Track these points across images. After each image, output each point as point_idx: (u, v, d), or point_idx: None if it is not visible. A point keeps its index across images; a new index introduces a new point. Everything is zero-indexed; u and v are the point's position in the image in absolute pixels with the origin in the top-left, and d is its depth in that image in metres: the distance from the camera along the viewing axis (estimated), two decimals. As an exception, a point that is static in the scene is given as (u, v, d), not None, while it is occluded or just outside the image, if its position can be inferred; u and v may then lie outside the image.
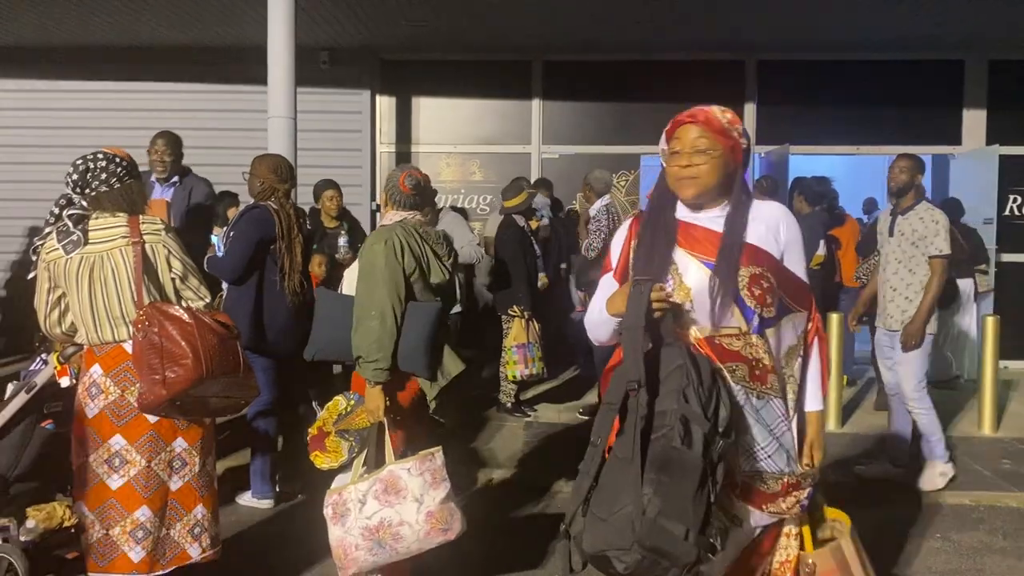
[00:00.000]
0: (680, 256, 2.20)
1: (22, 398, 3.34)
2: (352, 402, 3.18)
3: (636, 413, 1.94)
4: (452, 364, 3.22)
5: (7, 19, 7.55)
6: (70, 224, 2.90)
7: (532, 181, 6.90)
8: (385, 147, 8.99)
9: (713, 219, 2.22)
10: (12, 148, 8.67)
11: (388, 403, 3.09)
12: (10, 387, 3.60)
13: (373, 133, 8.90)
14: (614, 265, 2.28)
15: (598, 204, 6.31)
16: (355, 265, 3.28)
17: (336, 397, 3.22)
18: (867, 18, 7.40)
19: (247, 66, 7.59)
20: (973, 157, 8.47)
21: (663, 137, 2.26)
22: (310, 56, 8.06)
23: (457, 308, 4.97)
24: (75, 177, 2.94)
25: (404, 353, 3.09)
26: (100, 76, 8.63)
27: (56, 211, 2.94)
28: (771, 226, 2.23)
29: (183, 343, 2.74)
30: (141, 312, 2.84)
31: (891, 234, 4.83)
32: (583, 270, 6.30)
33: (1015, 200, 8.61)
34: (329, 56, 8.51)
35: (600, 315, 2.20)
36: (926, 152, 9.23)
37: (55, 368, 3.26)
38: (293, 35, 5.90)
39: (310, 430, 3.20)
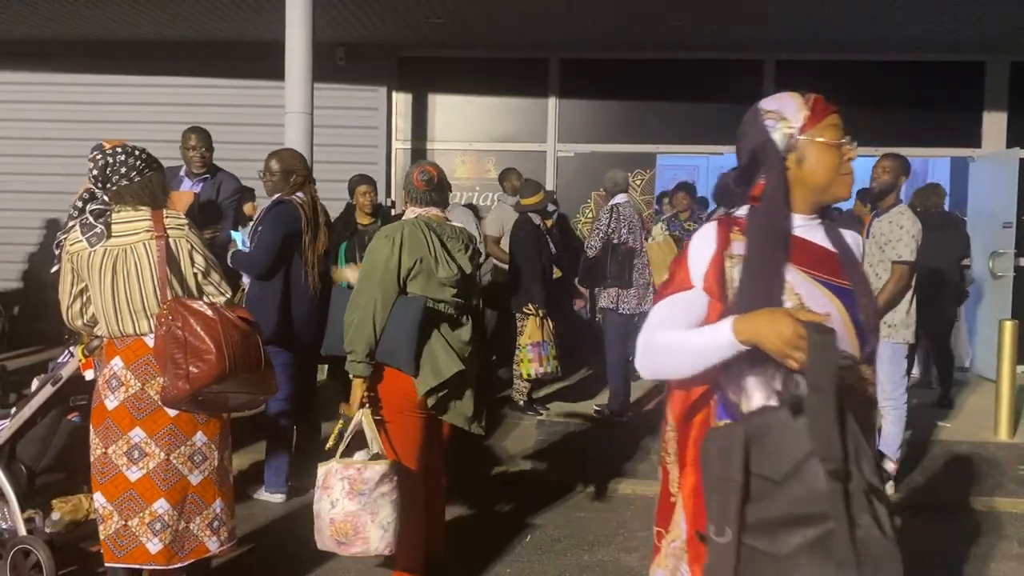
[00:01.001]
0: (796, 276, 1.78)
1: (48, 391, 3.38)
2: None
3: (839, 502, 1.51)
4: (447, 364, 3.21)
5: (28, 13, 7.59)
6: (91, 218, 2.92)
7: (535, 181, 6.86)
8: (401, 144, 9.00)
9: (809, 230, 1.86)
10: (31, 141, 8.72)
11: (367, 397, 3.17)
12: (36, 381, 3.64)
13: (389, 130, 8.91)
14: (696, 282, 1.78)
15: (610, 203, 6.38)
16: None
17: (337, 427, 3.30)
18: (888, 18, 7.35)
19: (264, 61, 7.61)
20: (993, 160, 8.40)
21: (802, 118, 1.80)
22: (327, 52, 8.07)
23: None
24: (95, 172, 2.96)
25: (383, 345, 3.15)
26: (116, 70, 8.66)
27: (80, 205, 2.96)
28: (852, 240, 1.95)
29: (207, 338, 2.76)
30: (165, 306, 2.85)
31: (868, 236, 4.78)
32: (583, 269, 6.35)
33: (1035, 204, 8.54)
34: (346, 52, 8.51)
35: (691, 343, 1.71)
36: (945, 154, 9.19)
37: (80, 361, 3.28)
38: (311, 31, 5.90)
39: None
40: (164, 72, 8.62)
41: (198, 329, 2.76)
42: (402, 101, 8.99)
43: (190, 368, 2.73)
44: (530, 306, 6.01)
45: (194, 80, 8.63)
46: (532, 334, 5.96)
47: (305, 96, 5.86)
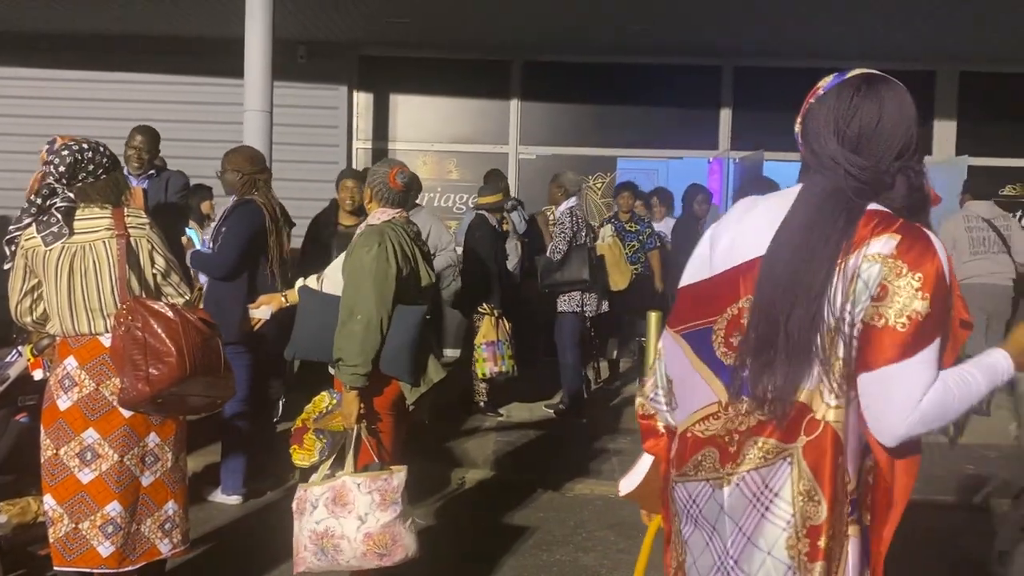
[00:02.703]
0: None
1: (-6, 391, 3.30)
2: (334, 401, 3.16)
3: None
4: (435, 371, 3.22)
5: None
6: (58, 216, 2.85)
7: (495, 179, 6.88)
8: (362, 143, 8.95)
9: None
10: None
11: (363, 409, 3.04)
12: None
13: (350, 129, 8.86)
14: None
15: (564, 206, 6.37)
16: (337, 262, 3.24)
17: (322, 392, 3.21)
18: (841, 28, 7.51)
19: (223, 58, 7.51)
20: (943, 167, 8.61)
21: None
22: (288, 50, 7.99)
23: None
24: (62, 168, 2.89)
25: (388, 356, 3.04)
26: (71, 65, 8.48)
27: (38, 201, 2.89)
28: None
29: (167, 340, 2.71)
30: (124, 306, 2.80)
31: None
32: (547, 272, 6.31)
33: (982, 210, 8.78)
34: (307, 50, 8.45)
35: (979, 386, 1.52)
36: (897, 161, 9.40)
37: (28, 360, 3.21)
38: (271, 28, 5.85)
39: (295, 422, 3.20)
40: (120, 68, 8.47)
41: (158, 330, 2.72)
42: (363, 101, 8.94)
43: (150, 370, 2.69)
44: (484, 306, 6.03)
45: (151, 76, 8.48)
46: (487, 333, 5.97)
47: (264, 94, 5.80)
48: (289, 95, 7.86)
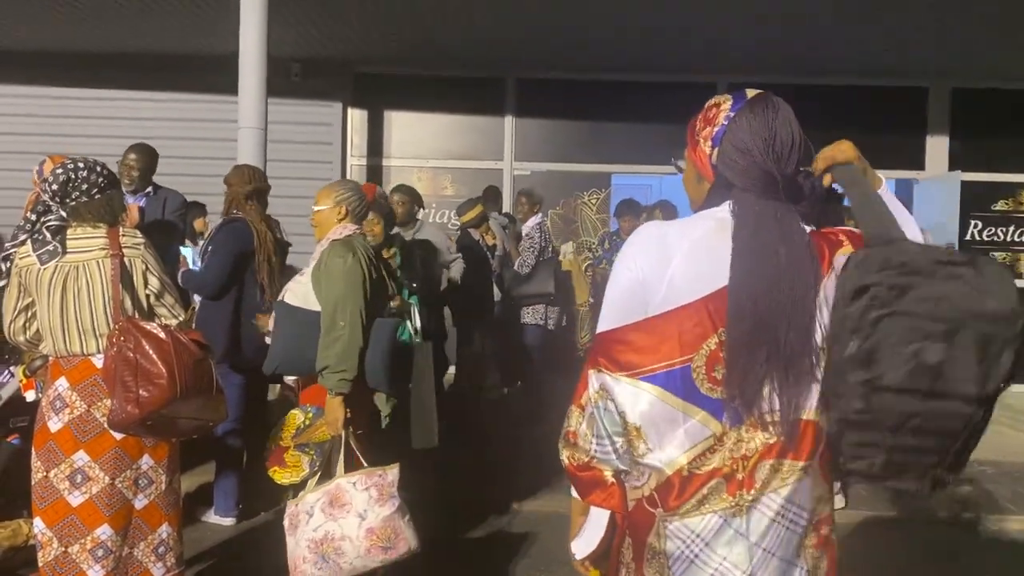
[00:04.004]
0: None
1: (-15, 412, 3.27)
2: (310, 415, 3.16)
3: None
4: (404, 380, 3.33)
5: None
6: (48, 234, 2.83)
7: (471, 198, 6.92)
8: (356, 160, 8.95)
9: None
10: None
11: (348, 415, 3.10)
12: None
13: (344, 146, 8.85)
14: None
15: (532, 221, 6.55)
16: (301, 277, 3.26)
17: (292, 411, 3.19)
18: (835, 44, 7.55)
19: (217, 75, 7.51)
20: (936, 182, 8.66)
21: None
22: (282, 67, 8.00)
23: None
24: (55, 187, 2.87)
25: (371, 369, 3.12)
26: (66, 83, 8.47)
27: (33, 218, 2.87)
28: None
29: (159, 362, 2.68)
30: (117, 326, 2.77)
31: None
32: (515, 284, 6.39)
33: (976, 225, 8.82)
34: (301, 67, 8.45)
35: None
36: (890, 176, 9.40)
37: (20, 381, 3.18)
38: (265, 45, 5.85)
39: (268, 445, 3.17)
40: (115, 85, 8.46)
41: (150, 351, 2.69)
42: (358, 117, 8.95)
43: (140, 392, 2.66)
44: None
45: (145, 94, 8.47)
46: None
47: (259, 111, 5.79)
48: (284, 112, 7.86)
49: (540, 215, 6.59)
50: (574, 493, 1.73)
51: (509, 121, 8.93)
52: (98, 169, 2.94)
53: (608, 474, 1.66)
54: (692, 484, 1.59)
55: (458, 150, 8.94)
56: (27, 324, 2.93)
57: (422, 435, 4.11)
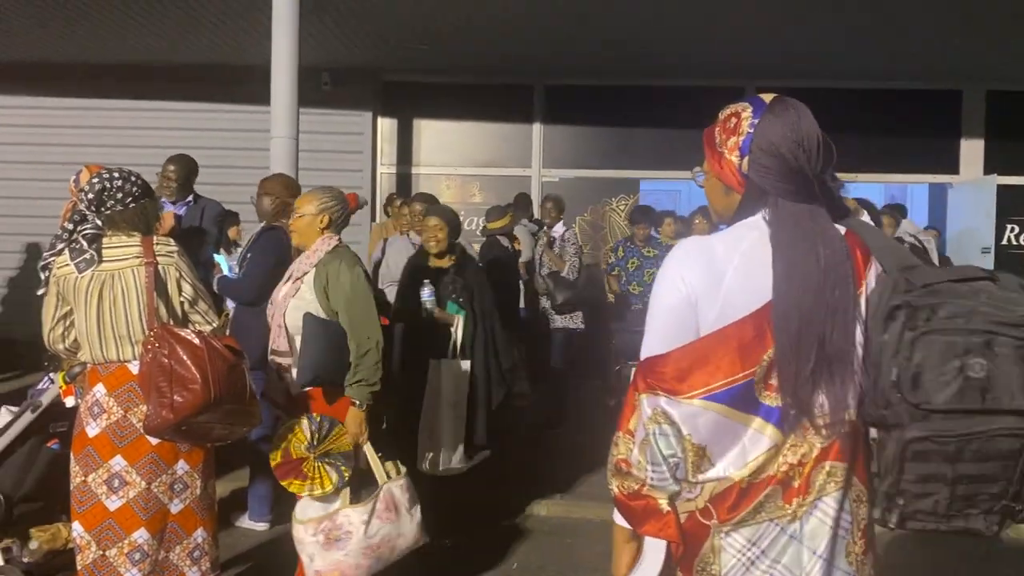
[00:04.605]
0: None
1: (27, 418, 3.33)
2: (324, 425, 3.17)
3: None
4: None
5: (9, 35, 7.57)
6: (84, 243, 2.89)
7: (500, 205, 6.94)
8: (386, 168, 9.02)
9: None
10: (12, 164, 8.67)
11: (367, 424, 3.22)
12: (2, 411, 3.59)
13: (374, 154, 8.93)
14: None
15: (562, 227, 6.68)
16: (302, 288, 3.25)
17: (294, 422, 3.17)
18: (867, 46, 7.48)
19: (250, 86, 7.61)
20: (971, 186, 8.53)
21: None
22: (312, 77, 8.09)
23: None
24: (90, 196, 2.93)
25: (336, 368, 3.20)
26: (100, 94, 8.65)
27: (70, 227, 2.93)
28: None
29: (193, 367, 2.71)
30: (151, 333, 2.81)
31: None
32: (561, 290, 6.39)
33: (1012, 229, 8.67)
34: (331, 77, 8.55)
35: None
36: (924, 181, 9.32)
37: (60, 388, 3.24)
38: (297, 56, 5.92)
39: (272, 457, 3.17)
40: (149, 96, 8.62)
41: (184, 357, 2.72)
42: (387, 126, 9.02)
43: (175, 397, 2.69)
44: None
45: (179, 104, 8.62)
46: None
47: (291, 120, 5.86)
48: (314, 121, 7.95)
49: (562, 222, 6.68)
50: (620, 521, 1.67)
51: (537, 128, 8.95)
52: (132, 179, 2.99)
53: (663, 502, 1.61)
54: (750, 494, 1.58)
55: (486, 157, 8.97)
56: (66, 332, 2.98)
57: (431, 459, 4.15)
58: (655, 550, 1.68)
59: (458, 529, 4.27)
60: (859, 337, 1.56)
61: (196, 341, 2.77)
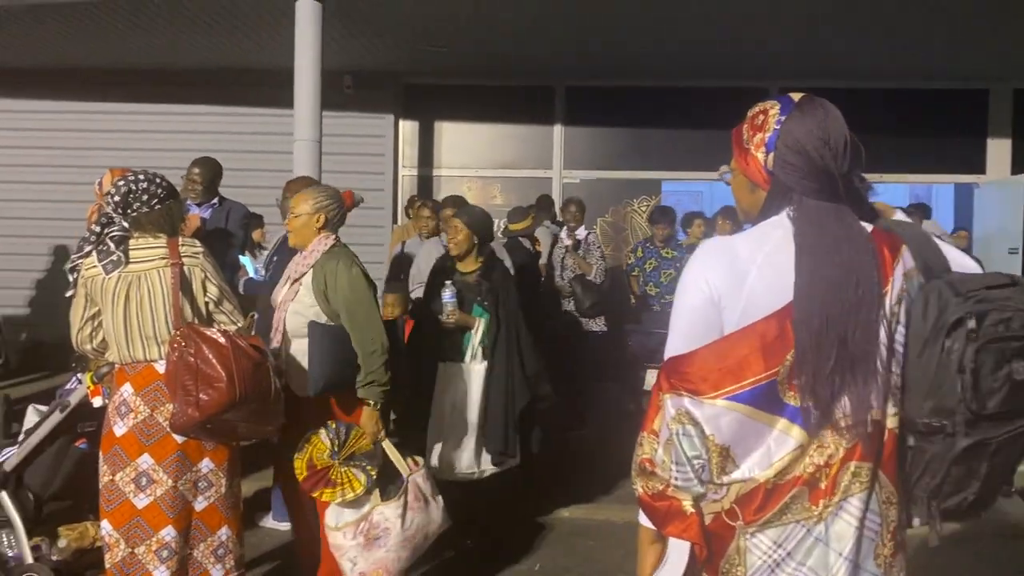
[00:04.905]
0: None
1: (56, 417, 3.38)
2: (341, 431, 3.19)
3: None
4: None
5: (38, 41, 7.69)
6: (111, 244, 2.93)
7: (522, 207, 6.94)
8: (407, 170, 9.06)
9: None
10: (38, 168, 8.79)
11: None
12: (30, 410, 3.64)
13: (396, 156, 8.97)
14: None
15: (584, 231, 6.65)
16: (301, 291, 3.24)
17: (316, 433, 3.18)
18: (893, 46, 7.41)
19: (273, 89, 7.69)
20: (998, 186, 8.42)
21: None
22: (335, 80, 8.14)
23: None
24: (116, 198, 2.97)
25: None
26: (125, 98, 8.75)
27: (97, 229, 2.97)
28: None
29: (218, 365, 2.74)
30: (177, 332, 2.85)
31: None
32: (588, 294, 6.39)
33: (1041, 230, 8.55)
34: (353, 80, 8.59)
35: None
36: (950, 181, 9.22)
37: (88, 388, 3.28)
38: (319, 59, 5.97)
39: (297, 471, 3.17)
40: (174, 100, 8.71)
41: (209, 356, 2.75)
42: (408, 128, 9.06)
43: (200, 395, 2.72)
44: None
45: (203, 108, 8.71)
46: None
47: (314, 123, 5.91)
48: (337, 124, 8.00)
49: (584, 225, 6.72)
50: (645, 522, 1.68)
51: (558, 129, 8.95)
52: (157, 181, 3.03)
53: (687, 504, 1.60)
54: (776, 495, 1.57)
55: (507, 159, 8.98)
56: (93, 333, 3.02)
57: (443, 464, 4.05)
58: (679, 551, 1.67)
59: (481, 530, 4.28)
60: (883, 337, 1.55)
61: (222, 340, 2.80)
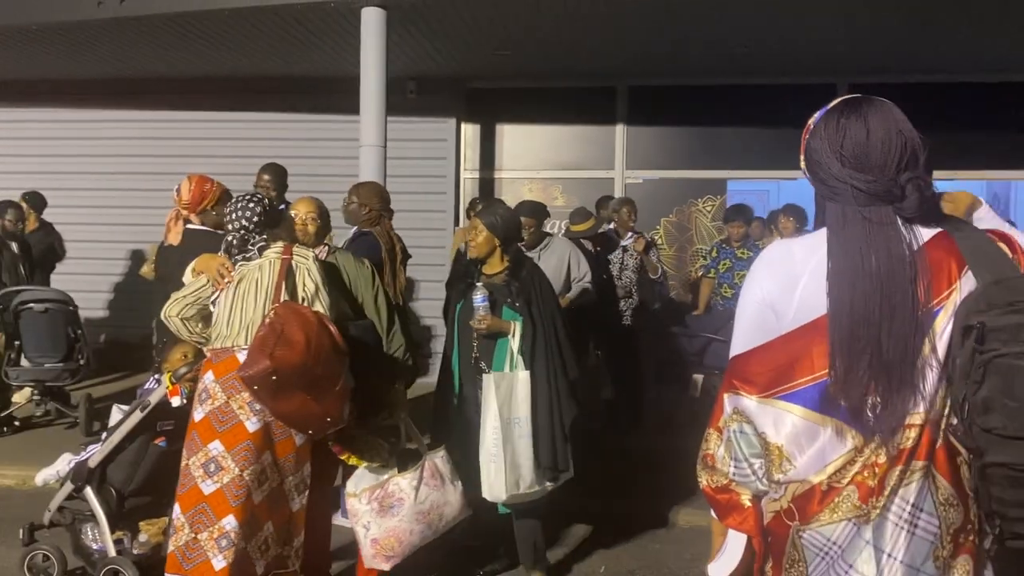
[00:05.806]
0: None
1: (136, 416, 3.51)
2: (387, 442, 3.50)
3: None
4: None
5: (126, 55, 7.95)
6: (256, 252, 3.29)
7: (584, 208, 6.90)
8: (469, 173, 9.12)
9: None
10: (116, 175, 9.10)
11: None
12: (115, 410, 3.79)
13: (458, 159, 9.03)
14: None
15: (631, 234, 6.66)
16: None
17: (376, 444, 3.40)
18: (958, 40, 7.18)
19: (337, 96, 7.83)
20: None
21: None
22: (398, 85, 8.25)
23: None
24: (256, 220, 3.35)
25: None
26: (196, 106, 9.01)
27: (235, 242, 3.33)
28: None
29: (299, 330, 2.90)
30: (275, 306, 3.07)
31: None
32: (654, 298, 6.56)
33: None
34: (416, 85, 8.68)
35: None
36: (1016, 178, 8.87)
37: (167, 387, 3.40)
38: (384, 66, 6.07)
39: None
40: (241, 107, 8.94)
41: (295, 325, 2.91)
42: (470, 131, 9.12)
43: (276, 350, 2.84)
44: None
45: (270, 115, 8.91)
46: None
47: (379, 129, 6.01)
48: (400, 129, 8.09)
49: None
50: (714, 514, 1.75)
51: (620, 129, 8.90)
52: (257, 198, 3.42)
53: (746, 498, 1.68)
54: (831, 495, 1.58)
55: (569, 160, 8.98)
56: (189, 309, 3.24)
57: (487, 485, 3.62)
58: (737, 542, 1.74)
59: (545, 532, 4.28)
60: (926, 349, 1.52)
61: (308, 314, 3.00)
